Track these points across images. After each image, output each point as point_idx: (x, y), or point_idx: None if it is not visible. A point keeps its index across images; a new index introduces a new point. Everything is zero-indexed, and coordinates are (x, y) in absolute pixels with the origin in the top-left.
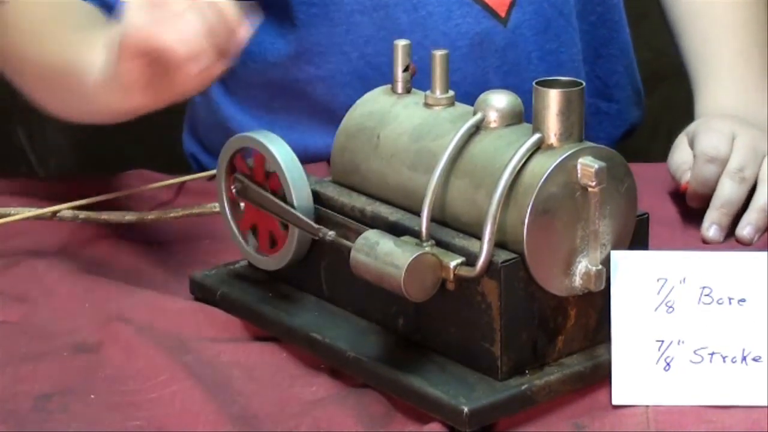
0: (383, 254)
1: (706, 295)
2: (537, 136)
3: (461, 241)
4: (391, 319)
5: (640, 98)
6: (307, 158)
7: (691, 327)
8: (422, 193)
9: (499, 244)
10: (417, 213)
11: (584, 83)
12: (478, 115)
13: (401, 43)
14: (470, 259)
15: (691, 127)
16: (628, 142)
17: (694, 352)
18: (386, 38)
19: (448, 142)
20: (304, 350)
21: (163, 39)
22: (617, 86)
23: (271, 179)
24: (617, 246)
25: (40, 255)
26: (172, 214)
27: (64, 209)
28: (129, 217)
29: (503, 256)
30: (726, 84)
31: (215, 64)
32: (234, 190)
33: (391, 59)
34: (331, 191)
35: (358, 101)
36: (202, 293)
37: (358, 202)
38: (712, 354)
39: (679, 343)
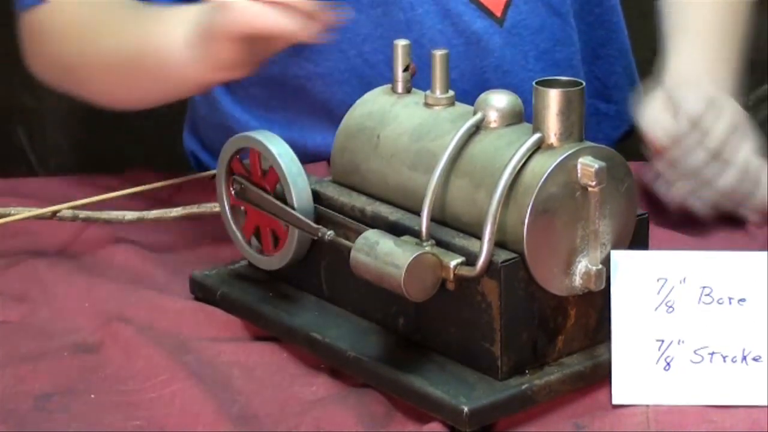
0: (383, 254)
1: (706, 295)
2: (537, 135)
3: (461, 240)
4: (391, 318)
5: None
6: (306, 156)
7: (691, 327)
8: (422, 193)
9: (499, 243)
10: (417, 213)
11: (584, 83)
12: (478, 115)
13: (401, 43)
14: (470, 259)
15: (669, 85)
16: (628, 142)
17: (695, 351)
18: (383, 36)
19: (448, 142)
20: (305, 350)
21: (270, 22)
22: (616, 87)
23: (268, 176)
24: (617, 246)
25: (40, 255)
26: (172, 214)
27: (64, 209)
28: (129, 217)
29: (503, 255)
30: (696, 52)
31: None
32: (233, 192)
33: (388, 57)
34: (331, 191)
35: (358, 101)
36: (202, 293)
37: (358, 201)
38: (712, 354)
39: (679, 343)
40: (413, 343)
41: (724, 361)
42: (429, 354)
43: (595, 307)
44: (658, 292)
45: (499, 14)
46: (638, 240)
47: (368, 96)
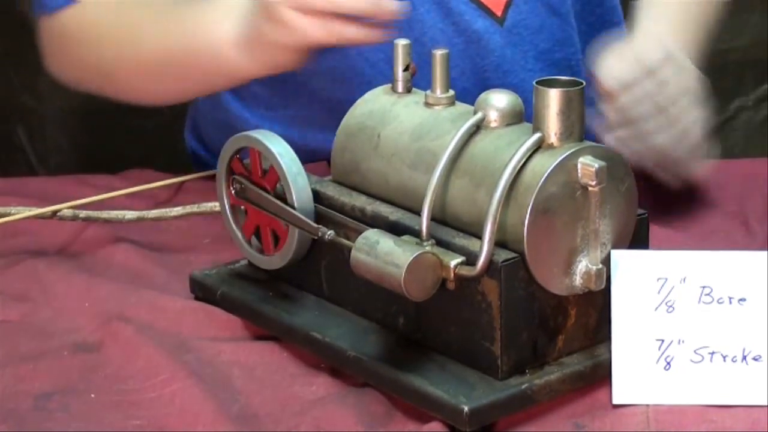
0: (383, 254)
1: (706, 295)
2: (537, 135)
3: (461, 240)
4: (392, 318)
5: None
6: (307, 155)
7: (691, 326)
8: (422, 193)
9: (500, 243)
10: (417, 212)
11: (584, 83)
12: (479, 115)
13: (401, 43)
14: (470, 259)
15: (632, 37)
16: None
17: (695, 351)
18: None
19: (449, 142)
20: (305, 349)
21: (323, 36)
22: None
23: (268, 175)
24: (617, 245)
25: (40, 254)
26: (172, 214)
27: (64, 209)
28: (129, 216)
29: (503, 255)
30: (663, 20)
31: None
32: (233, 192)
33: (389, 56)
34: (332, 190)
35: (358, 100)
36: (202, 292)
37: (359, 201)
38: (712, 353)
39: (679, 343)
40: (413, 343)
41: (724, 360)
42: (429, 353)
43: (595, 307)
44: (658, 292)
45: (499, 14)
46: (638, 240)
47: (368, 95)
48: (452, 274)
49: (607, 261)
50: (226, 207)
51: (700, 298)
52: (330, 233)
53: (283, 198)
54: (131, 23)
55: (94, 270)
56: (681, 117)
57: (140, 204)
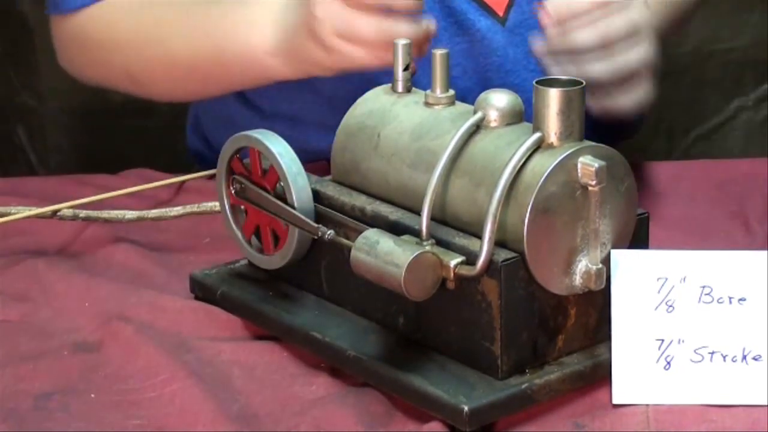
0: (383, 253)
1: (706, 294)
2: (537, 135)
3: (461, 240)
4: (392, 318)
5: None
6: (308, 153)
7: (691, 326)
8: (422, 192)
9: (500, 243)
10: (417, 212)
11: (584, 82)
12: (479, 114)
13: (401, 42)
14: (470, 258)
15: None
16: (629, 142)
17: (695, 351)
18: None
19: (449, 141)
20: (305, 349)
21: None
22: None
23: (268, 175)
24: (617, 245)
25: (40, 254)
26: (172, 214)
27: (65, 208)
28: (129, 216)
29: (503, 255)
30: None
31: None
32: (233, 191)
33: (391, 53)
34: (332, 190)
35: (358, 100)
36: (202, 292)
37: (359, 201)
38: (712, 353)
39: (679, 342)
40: (413, 343)
41: (724, 360)
42: (429, 353)
43: (595, 307)
44: (658, 292)
45: (501, 14)
46: (638, 239)
47: (369, 95)
48: (452, 274)
49: (607, 261)
50: (226, 207)
51: (700, 298)
52: (330, 233)
53: (283, 198)
54: (156, 24)
55: (94, 270)
56: (621, 52)
57: (140, 204)
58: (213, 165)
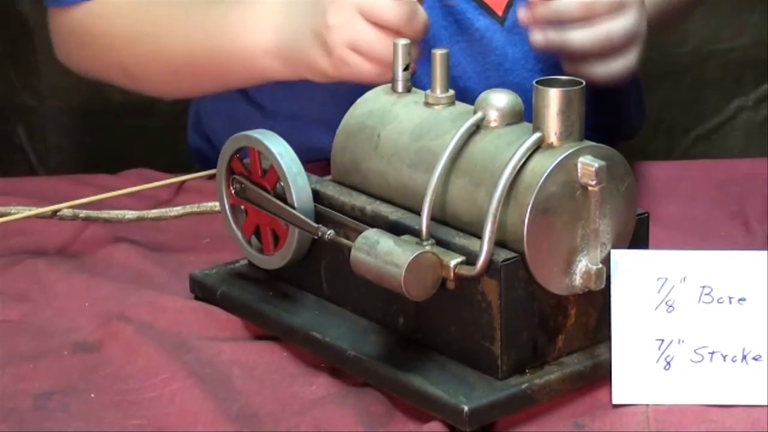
0: (383, 253)
1: (706, 294)
2: (537, 135)
3: (461, 240)
4: (392, 318)
5: (641, 100)
6: (309, 151)
7: (691, 326)
8: (422, 192)
9: (500, 243)
10: (417, 212)
11: (584, 82)
12: (479, 114)
13: (401, 42)
14: (470, 258)
15: None
16: (629, 142)
17: (695, 351)
18: None
19: (449, 141)
20: (305, 349)
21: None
22: (618, 87)
23: (268, 175)
24: (617, 245)
25: (40, 254)
26: (172, 214)
27: (65, 208)
28: (129, 216)
29: (503, 255)
30: None
31: None
32: (233, 191)
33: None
34: (332, 190)
35: (358, 100)
36: (202, 292)
37: (359, 201)
38: (712, 353)
39: (679, 342)
40: (413, 343)
41: (724, 360)
42: (429, 353)
43: (595, 307)
44: (658, 292)
45: (500, 13)
46: (638, 239)
47: (368, 95)
48: (452, 274)
49: (607, 261)
50: (226, 207)
51: (700, 298)
52: (330, 233)
53: (283, 198)
54: (154, 20)
55: (94, 270)
56: (603, 22)
57: (140, 204)
58: (214, 163)
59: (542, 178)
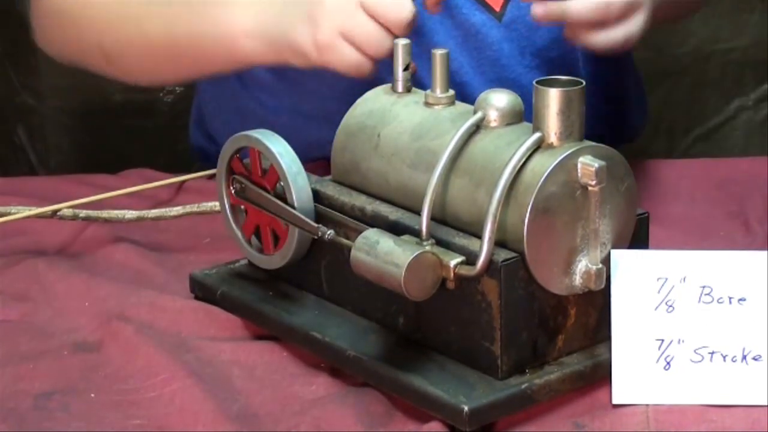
0: (383, 253)
1: (706, 294)
2: (537, 135)
3: (461, 240)
4: (391, 318)
5: (644, 101)
6: (310, 146)
7: (691, 326)
8: (422, 192)
9: (500, 243)
10: (417, 212)
11: (584, 82)
12: (479, 114)
13: (401, 43)
14: (470, 258)
15: None
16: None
17: (695, 351)
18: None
19: (449, 141)
20: (304, 349)
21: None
22: (619, 88)
23: (268, 175)
24: (617, 245)
25: (41, 254)
26: (172, 214)
27: (65, 208)
28: (129, 215)
29: (503, 255)
30: None
31: None
32: (233, 191)
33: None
34: (332, 190)
35: (358, 100)
36: (202, 292)
37: (359, 200)
38: (712, 353)
39: (679, 342)
40: (413, 343)
41: (724, 360)
42: (429, 353)
43: (595, 307)
44: (658, 292)
45: (498, 9)
46: (638, 239)
47: (369, 95)
48: (452, 274)
49: (607, 261)
50: (226, 207)
51: (700, 298)
52: (330, 233)
53: (283, 197)
54: (134, 1)
55: (94, 270)
56: None
57: (140, 204)
58: (216, 160)
59: (542, 178)
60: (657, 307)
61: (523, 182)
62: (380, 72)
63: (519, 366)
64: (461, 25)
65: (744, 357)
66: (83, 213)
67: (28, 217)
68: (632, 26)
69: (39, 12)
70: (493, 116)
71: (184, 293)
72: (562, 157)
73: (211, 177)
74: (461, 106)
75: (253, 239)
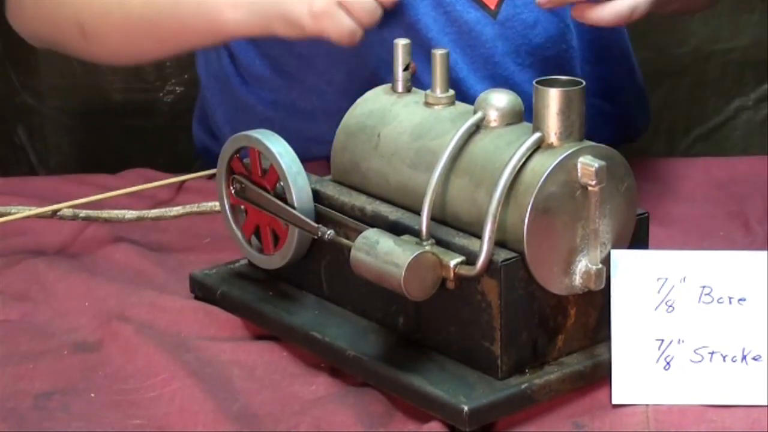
0: (383, 253)
1: (706, 294)
2: (537, 135)
3: (461, 240)
4: (391, 318)
5: (645, 102)
6: (308, 141)
7: (691, 326)
8: (422, 192)
9: (499, 243)
10: (417, 212)
11: (584, 82)
12: (479, 114)
13: (401, 43)
14: (470, 258)
15: None
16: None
17: (694, 351)
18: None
19: (449, 141)
20: (304, 349)
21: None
22: (619, 88)
23: (268, 175)
24: (617, 245)
25: (40, 254)
26: (172, 213)
27: (65, 208)
28: (129, 215)
29: (503, 255)
30: None
31: None
32: (233, 191)
33: (383, 38)
34: (331, 190)
35: (358, 100)
36: (202, 292)
37: (358, 200)
38: (712, 353)
39: (679, 342)
40: (413, 343)
41: (724, 360)
42: (429, 353)
43: (595, 307)
44: (658, 292)
45: (493, 7)
46: (638, 239)
47: (368, 95)
48: (452, 274)
49: (606, 261)
50: (226, 207)
51: (699, 298)
52: (330, 233)
53: (283, 197)
54: None
55: (94, 270)
56: None
57: (140, 204)
58: (217, 156)
59: (542, 178)
60: (657, 307)
61: (523, 182)
62: (380, 72)
63: (519, 366)
64: (455, 21)
65: (744, 357)
66: (83, 213)
67: (28, 217)
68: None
69: None
70: (493, 116)
71: (184, 293)
72: (562, 157)
73: (211, 177)
74: (461, 106)
75: (253, 239)
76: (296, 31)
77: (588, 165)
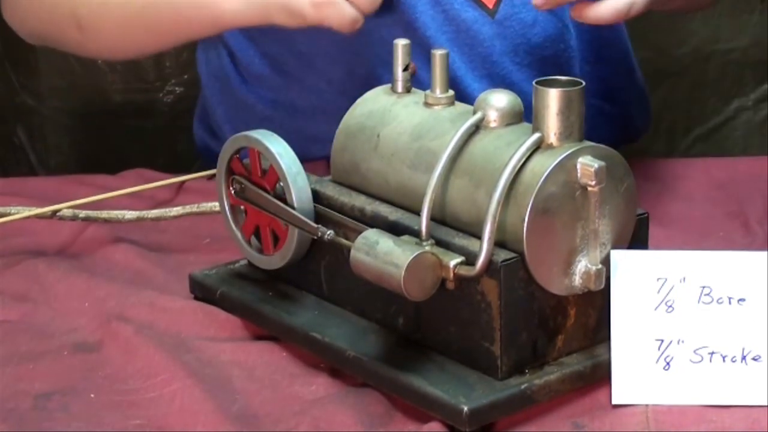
0: (383, 253)
1: (705, 295)
2: (537, 135)
3: (461, 240)
4: (391, 318)
5: (645, 102)
6: (307, 139)
7: (690, 326)
8: (422, 193)
9: (499, 243)
10: (417, 212)
11: (584, 83)
12: (478, 115)
13: (401, 43)
14: (470, 259)
15: None
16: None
17: (694, 351)
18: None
19: (448, 142)
20: (304, 349)
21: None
22: (619, 88)
23: (268, 175)
24: (617, 245)
25: (40, 254)
26: (172, 214)
27: (64, 208)
28: (129, 216)
29: (503, 255)
30: None
31: None
32: (233, 192)
33: (382, 37)
34: (331, 190)
35: (358, 100)
36: (202, 292)
37: (358, 201)
38: (711, 353)
39: (678, 343)
40: (413, 343)
41: (724, 360)
42: (428, 353)
43: (594, 307)
44: (658, 292)
45: (491, 6)
46: (638, 239)
47: (368, 95)
48: (452, 274)
49: (606, 261)
50: (226, 207)
51: (699, 298)
52: (329, 233)
53: (282, 198)
54: None
55: (94, 270)
56: None
57: (140, 204)
58: (218, 155)
59: (542, 179)
60: (657, 308)
61: (523, 182)
62: (379, 71)
63: (519, 366)
64: (453, 20)
65: (744, 357)
66: (83, 213)
67: (28, 217)
68: None
69: None
70: (492, 116)
71: (184, 293)
72: (562, 157)
73: (211, 177)
74: (461, 107)
75: (253, 239)
76: (297, 20)
77: (588, 165)
